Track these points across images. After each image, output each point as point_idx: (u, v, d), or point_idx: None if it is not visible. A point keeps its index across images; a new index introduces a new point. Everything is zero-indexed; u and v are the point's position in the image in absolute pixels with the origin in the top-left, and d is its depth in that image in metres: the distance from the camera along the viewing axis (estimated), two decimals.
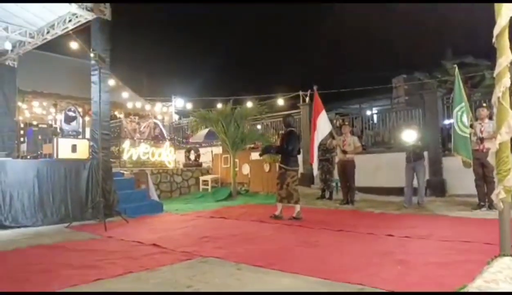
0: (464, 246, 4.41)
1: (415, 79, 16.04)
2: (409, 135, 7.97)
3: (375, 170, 10.33)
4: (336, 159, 9.34)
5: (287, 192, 6.89)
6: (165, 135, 15.65)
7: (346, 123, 9.82)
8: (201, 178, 12.36)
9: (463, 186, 8.47)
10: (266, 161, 10.83)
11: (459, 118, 7.23)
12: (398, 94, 15.76)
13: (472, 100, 9.76)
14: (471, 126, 7.35)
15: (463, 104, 7.24)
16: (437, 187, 9.45)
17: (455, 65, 7.95)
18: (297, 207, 6.87)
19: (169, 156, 12.60)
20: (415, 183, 8.08)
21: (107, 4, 7.88)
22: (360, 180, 9.09)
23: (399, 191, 8.64)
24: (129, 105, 14.76)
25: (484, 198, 7.20)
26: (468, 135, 7.15)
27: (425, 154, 8.59)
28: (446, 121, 10.15)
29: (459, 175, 8.05)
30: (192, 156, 13.47)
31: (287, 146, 6.93)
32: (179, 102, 17.43)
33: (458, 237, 4.87)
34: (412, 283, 3.14)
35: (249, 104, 13.42)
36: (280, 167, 7.06)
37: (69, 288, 3.20)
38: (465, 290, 2.07)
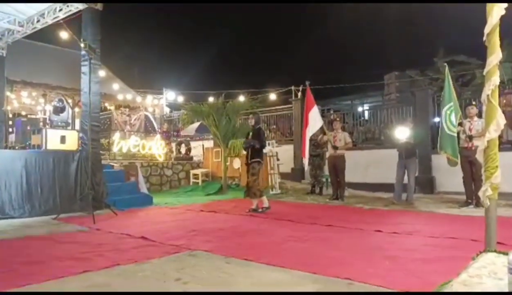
0: (451, 243, 4.46)
1: (406, 76, 16.13)
2: (402, 132, 8.04)
3: (366, 166, 10.39)
4: (327, 154, 9.38)
5: (260, 185, 7.25)
6: (156, 128, 15.55)
7: (338, 119, 9.85)
8: (192, 172, 12.33)
9: (451, 184, 8.56)
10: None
11: (448, 117, 7.31)
12: (389, 91, 15.85)
13: (462, 98, 9.85)
14: (460, 124, 7.44)
15: (452, 103, 7.33)
16: (426, 184, 9.55)
17: (445, 64, 8.01)
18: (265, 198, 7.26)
19: (159, 148, 12.53)
20: (405, 179, 8.15)
21: None
22: (350, 175, 9.13)
23: (388, 187, 8.71)
24: (120, 97, 14.59)
25: (471, 196, 7.28)
26: (455, 135, 7.25)
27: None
28: (437, 119, 10.24)
29: (448, 173, 8.13)
30: (183, 149, 13.42)
31: (264, 142, 7.33)
32: (171, 95, 17.32)
33: (445, 234, 4.92)
34: (399, 278, 3.17)
35: (241, 98, 13.39)
36: (258, 162, 7.10)
37: (56, 280, 3.18)
38: (450, 285, 2.09)
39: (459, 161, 7.21)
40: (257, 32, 31.78)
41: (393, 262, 3.65)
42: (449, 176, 8.44)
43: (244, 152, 7.57)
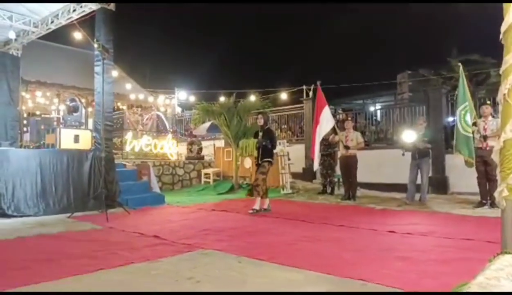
0: (465, 244, 4.40)
1: (419, 75, 15.96)
2: (408, 136, 7.93)
3: (378, 165, 10.31)
4: (338, 154, 9.33)
5: (266, 186, 7.24)
6: (167, 127, 15.64)
7: (349, 118, 9.79)
8: (203, 171, 12.37)
9: (465, 184, 8.45)
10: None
11: (462, 118, 7.22)
12: (402, 90, 15.70)
13: (476, 97, 9.70)
14: (475, 124, 7.33)
15: (466, 103, 7.23)
16: (439, 184, 9.44)
17: (459, 63, 7.89)
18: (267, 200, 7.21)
19: (171, 148, 12.60)
20: (418, 180, 8.05)
21: None
22: (362, 175, 9.06)
23: (401, 187, 8.62)
24: (132, 96, 14.71)
25: (486, 196, 7.18)
26: (471, 135, 7.13)
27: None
28: (450, 119, 10.11)
29: (462, 173, 8.02)
30: (195, 149, 13.47)
31: (275, 142, 7.34)
32: (182, 95, 17.40)
33: (459, 235, 4.86)
34: (413, 279, 3.14)
35: (252, 98, 13.39)
36: (269, 162, 7.08)
37: (72, 277, 3.22)
38: (467, 287, 2.06)
39: (475, 162, 7.11)
40: (268, 31, 31.79)
41: (406, 263, 3.62)
42: (462, 176, 8.32)
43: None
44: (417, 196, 8.03)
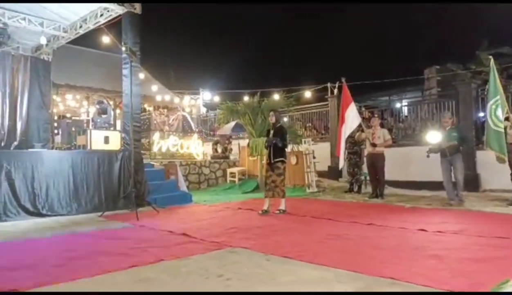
0: (500, 242, 4.28)
1: (448, 70, 15.53)
2: (433, 136, 7.64)
3: (406, 163, 10.12)
4: (365, 152, 9.22)
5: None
6: (193, 128, 15.84)
7: (376, 115, 9.65)
8: (229, 170, 12.46)
9: (498, 181, 8.21)
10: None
11: (493, 112, 6.99)
12: (430, 85, 15.32)
13: (508, 91, 9.38)
14: (507, 118, 7.09)
15: (498, 97, 7.00)
16: (471, 182, 9.16)
17: (491, 57, 7.63)
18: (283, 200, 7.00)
19: (197, 148, 12.75)
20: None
21: None
22: (390, 173, 8.92)
23: (430, 185, 8.45)
24: (158, 98, 15.00)
25: None
26: (502, 130, 6.89)
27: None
28: (481, 114, 9.82)
29: (494, 169, 7.77)
30: (220, 149, 13.60)
31: (287, 141, 7.12)
32: (207, 95, 17.58)
33: (493, 233, 4.73)
34: (445, 278, 3.08)
35: (276, 96, 13.39)
36: (282, 161, 6.89)
37: (107, 274, 3.32)
38: (509, 284, 2.01)
39: (507, 158, 6.87)
40: (291, 29, 31.63)
41: (438, 262, 3.55)
42: (495, 173, 8.07)
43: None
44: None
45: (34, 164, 6.87)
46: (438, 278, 3.05)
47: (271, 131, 7.03)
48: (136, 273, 3.36)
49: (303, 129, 14.29)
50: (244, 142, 13.86)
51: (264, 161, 8.66)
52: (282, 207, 6.89)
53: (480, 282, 2.97)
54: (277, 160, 6.85)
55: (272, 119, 7.10)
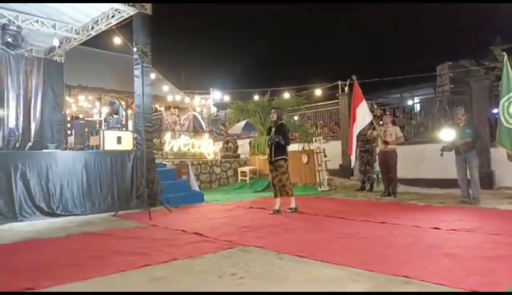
0: None
1: (461, 66, 15.33)
2: (446, 134, 7.52)
3: (418, 161, 10.01)
4: (377, 150, 9.15)
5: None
6: (204, 127, 15.90)
7: (388, 113, 9.58)
8: (239, 169, 12.48)
9: None
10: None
11: (505, 109, 6.90)
12: (442, 82, 15.10)
13: None
14: None
15: (511, 94, 6.89)
16: (485, 179, 9.01)
17: (504, 53, 7.50)
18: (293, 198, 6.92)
19: (208, 147, 12.80)
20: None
21: None
22: (402, 171, 8.84)
23: (444, 183, 8.34)
24: (169, 98, 15.08)
25: None
26: None
27: None
28: (495, 110, 9.68)
29: (509, 166, 7.62)
30: (230, 148, 13.61)
31: (289, 139, 6.96)
32: (217, 95, 17.63)
33: (508, 231, 4.66)
34: (461, 276, 3.04)
35: (286, 95, 13.37)
36: (284, 159, 6.77)
37: (120, 273, 3.35)
38: None
39: None
40: (301, 28, 31.52)
41: (453, 260, 3.52)
42: (510, 170, 7.96)
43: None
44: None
45: (49, 165, 6.97)
46: (453, 277, 3.02)
47: (273, 129, 6.91)
48: (149, 272, 3.39)
49: (314, 128, 14.24)
50: None
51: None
52: (293, 205, 6.84)
53: (496, 280, 2.93)
54: (279, 158, 6.73)
55: (273, 116, 6.98)
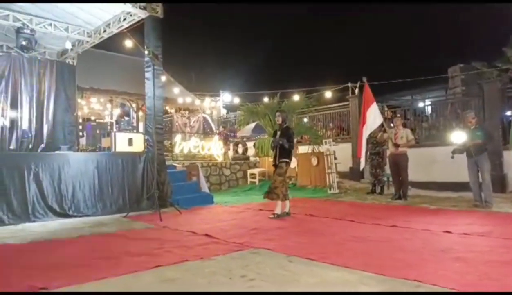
0: None
1: (473, 68, 15.19)
2: (457, 137, 7.45)
3: (430, 164, 9.94)
4: (388, 152, 9.09)
5: (286, 188, 6.78)
6: (214, 129, 15.95)
7: (398, 115, 9.52)
8: (249, 171, 12.50)
9: None
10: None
11: None
12: (454, 84, 14.99)
13: None
14: None
15: None
16: (497, 182, 8.92)
17: None
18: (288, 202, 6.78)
19: (218, 149, 12.84)
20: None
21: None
22: (413, 174, 8.77)
23: (455, 186, 8.27)
24: (180, 100, 15.18)
25: None
26: None
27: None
28: (508, 113, 9.58)
29: None
30: (240, 150, 13.65)
31: (293, 142, 6.84)
32: (227, 97, 17.68)
33: None
34: (473, 280, 3.02)
35: (296, 97, 13.36)
36: (286, 162, 6.65)
37: (131, 274, 3.38)
38: None
39: None
40: (310, 30, 31.51)
41: (464, 264, 3.48)
42: None
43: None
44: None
45: (61, 166, 7.06)
46: (465, 281, 3.00)
47: (278, 132, 6.83)
48: (161, 273, 3.41)
49: (324, 130, 14.22)
50: None
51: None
52: (278, 211, 6.57)
53: (509, 285, 2.90)
54: (282, 160, 6.64)
55: (278, 119, 6.89)
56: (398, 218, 6.08)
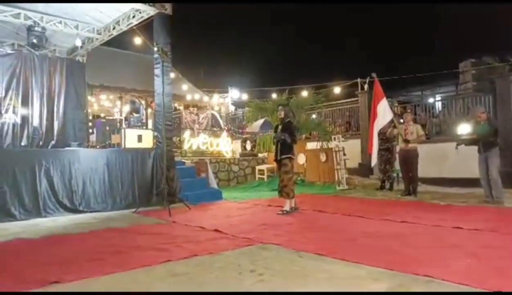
0: None
1: (484, 63, 14.99)
2: (463, 129, 7.38)
3: (440, 159, 9.84)
4: (397, 148, 9.03)
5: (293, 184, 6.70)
6: (222, 126, 15.96)
7: (408, 111, 9.44)
8: (257, 168, 12.50)
9: None
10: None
11: None
12: (465, 80, 14.83)
13: None
14: None
15: None
16: (509, 178, 8.81)
17: None
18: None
19: (226, 145, 12.86)
20: None
21: None
22: (424, 170, 8.69)
23: (465, 182, 8.18)
24: (189, 97, 15.22)
25: None
26: None
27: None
28: None
29: None
30: (248, 146, 13.65)
31: (296, 137, 6.70)
32: (235, 93, 17.67)
33: None
34: (485, 276, 2.99)
35: (305, 93, 13.31)
36: (290, 158, 6.50)
37: (142, 268, 3.41)
38: None
39: None
40: (319, 25, 31.33)
41: (475, 260, 3.45)
42: None
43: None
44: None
45: (71, 162, 7.14)
46: (476, 277, 2.97)
47: (279, 127, 6.65)
48: (171, 267, 3.44)
49: (333, 126, 14.16)
50: None
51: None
52: (287, 207, 6.53)
53: None
54: (284, 157, 6.49)
55: (280, 114, 6.73)
56: (408, 214, 6.04)
